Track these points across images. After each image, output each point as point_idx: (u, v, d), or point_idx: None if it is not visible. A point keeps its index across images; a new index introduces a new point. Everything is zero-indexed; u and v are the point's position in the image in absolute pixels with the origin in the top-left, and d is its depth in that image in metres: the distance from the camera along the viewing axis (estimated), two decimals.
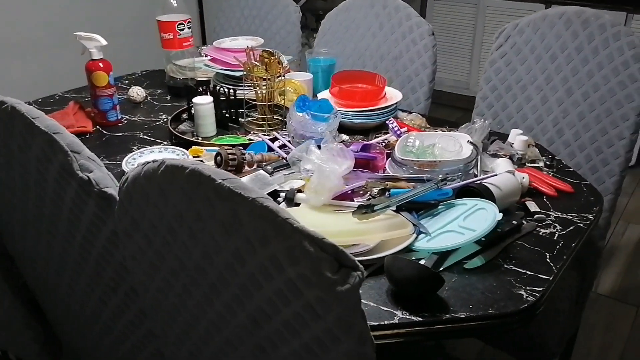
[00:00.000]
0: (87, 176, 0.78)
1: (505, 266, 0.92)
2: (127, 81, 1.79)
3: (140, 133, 1.42)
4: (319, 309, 0.60)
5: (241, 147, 1.13)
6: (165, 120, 1.50)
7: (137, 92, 1.59)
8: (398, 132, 1.27)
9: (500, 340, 1.26)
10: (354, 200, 1.03)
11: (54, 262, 0.99)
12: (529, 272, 0.90)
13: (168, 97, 1.66)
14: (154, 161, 0.67)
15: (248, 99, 1.41)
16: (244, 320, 0.70)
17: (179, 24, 1.57)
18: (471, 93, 3.50)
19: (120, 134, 1.42)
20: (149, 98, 1.65)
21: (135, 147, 1.33)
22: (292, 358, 0.68)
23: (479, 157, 1.09)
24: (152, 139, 1.39)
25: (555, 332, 1.22)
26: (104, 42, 1.38)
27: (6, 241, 1.06)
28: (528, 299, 0.84)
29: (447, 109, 3.27)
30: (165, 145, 1.34)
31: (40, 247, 0.98)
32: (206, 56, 1.63)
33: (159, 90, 1.71)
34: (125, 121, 1.50)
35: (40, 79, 2.28)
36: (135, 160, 1.23)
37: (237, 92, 1.43)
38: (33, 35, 2.25)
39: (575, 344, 1.68)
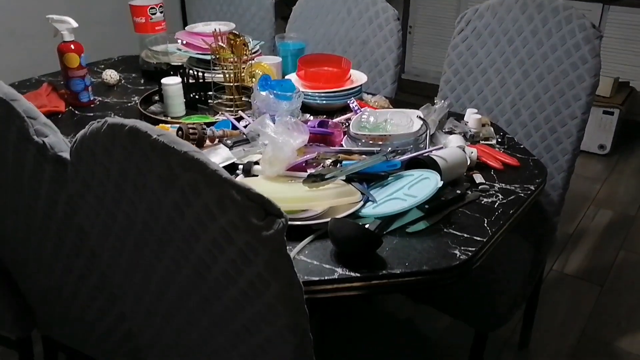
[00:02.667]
0: (43, 141, 0.83)
1: (445, 230, 0.98)
2: (102, 66, 1.83)
3: (111, 113, 1.47)
4: (250, 254, 0.66)
5: (202, 124, 1.18)
6: (136, 102, 1.55)
7: (111, 75, 1.64)
8: (358, 111, 1.33)
9: (456, 308, 1.32)
10: (307, 172, 1.08)
11: (20, 232, 1.04)
12: (465, 235, 0.96)
13: (142, 81, 1.71)
14: (97, 121, 0.72)
15: (216, 81, 1.46)
16: (189, 273, 0.76)
17: (151, 8, 1.62)
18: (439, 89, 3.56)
19: (91, 114, 1.47)
20: (123, 81, 1.70)
21: None
22: (233, 305, 0.74)
23: (428, 131, 1.15)
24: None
25: (506, 301, 1.28)
26: (74, 24, 1.42)
27: None
28: (461, 257, 0.90)
29: (430, 101, 3.33)
30: None
31: (6, 218, 1.03)
32: (181, 41, 1.68)
33: (133, 75, 1.76)
34: (98, 102, 1.55)
35: (17, 65, 2.32)
36: None
37: (207, 74, 1.48)
38: (9, 21, 2.28)
39: (535, 318, 1.74)
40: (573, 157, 1.44)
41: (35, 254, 1.06)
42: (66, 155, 0.83)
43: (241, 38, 1.38)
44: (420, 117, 1.16)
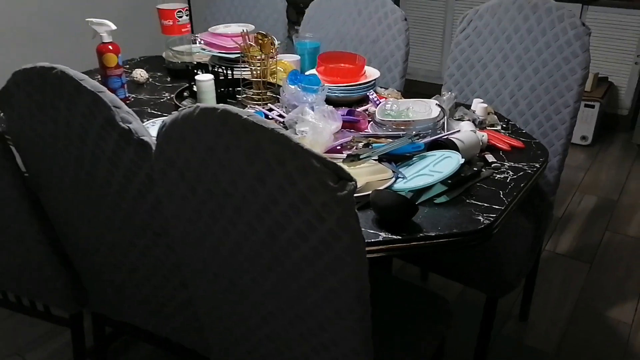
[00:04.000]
0: (128, 126, 0.96)
1: (467, 201, 1.13)
2: (127, 65, 1.95)
3: (147, 108, 1.60)
4: (324, 213, 0.79)
5: None
6: (168, 97, 1.67)
7: (140, 74, 1.76)
8: (378, 102, 1.47)
9: (469, 277, 1.47)
10: (342, 154, 1.22)
11: (88, 211, 1.16)
12: (485, 205, 1.11)
13: (168, 79, 1.83)
14: (188, 107, 0.85)
15: (244, 77, 1.59)
16: (262, 235, 0.89)
17: (178, 11, 1.74)
18: (443, 82, 3.74)
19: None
20: (150, 80, 1.82)
21: (145, 119, 1.50)
22: (302, 261, 0.87)
23: (445, 117, 1.30)
24: (158, 112, 1.57)
25: (513, 269, 1.44)
26: (113, 26, 1.54)
27: (42, 195, 1.23)
28: (484, 222, 1.05)
29: (420, 96, 3.50)
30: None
31: (76, 197, 1.15)
32: (201, 42, 1.81)
33: (159, 73, 1.88)
34: (132, 99, 1.67)
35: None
36: (150, 129, 1.40)
37: (234, 71, 1.62)
38: (33, 24, 2.38)
39: (533, 294, 1.91)
40: (567, 142, 1.61)
41: (101, 230, 1.18)
42: (147, 139, 0.96)
43: (269, 37, 1.52)
44: (438, 105, 1.31)
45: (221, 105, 0.81)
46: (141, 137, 0.96)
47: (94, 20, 1.53)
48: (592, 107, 3.10)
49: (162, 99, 1.67)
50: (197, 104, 0.84)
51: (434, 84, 3.72)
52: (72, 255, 1.33)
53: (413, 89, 3.42)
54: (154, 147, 0.95)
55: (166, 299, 1.24)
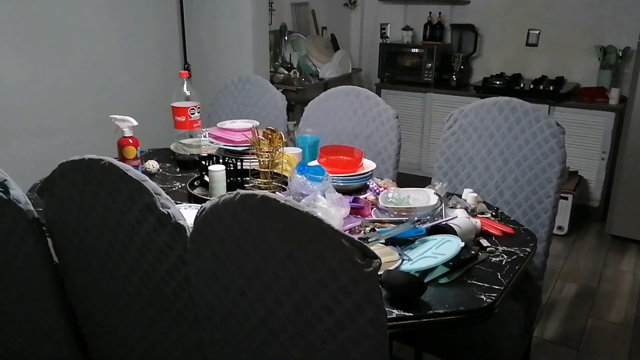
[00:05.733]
0: (167, 212, 1.05)
1: (469, 281, 1.23)
2: (143, 153, 2.07)
3: None
4: (351, 287, 0.89)
5: None
6: (180, 187, 1.78)
7: (152, 165, 1.88)
8: (377, 191, 1.61)
9: (464, 358, 1.53)
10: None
11: (110, 291, 1.22)
12: (486, 285, 1.21)
13: (177, 169, 1.95)
14: (229, 193, 0.96)
15: (253, 167, 1.72)
16: (289, 310, 0.97)
17: (191, 109, 1.90)
18: (423, 174, 3.95)
19: None
20: (161, 170, 1.93)
21: None
22: (327, 334, 0.95)
23: (442, 204, 1.43)
24: (172, 201, 1.66)
25: (508, 350, 1.51)
26: (135, 122, 1.68)
27: (67, 277, 1.28)
28: (487, 300, 1.15)
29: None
30: (186, 204, 1.61)
31: (102, 279, 1.21)
32: (208, 135, 1.95)
33: (168, 164, 2.00)
34: None
35: (51, 159, 2.51)
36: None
37: (243, 162, 1.75)
38: (47, 119, 2.51)
39: None
40: (550, 229, 1.75)
41: (123, 309, 1.23)
42: (183, 222, 1.06)
43: (277, 132, 1.67)
44: (436, 194, 1.45)
45: (260, 192, 0.92)
46: (178, 221, 1.05)
47: (117, 116, 1.67)
48: (566, 198, 3.30)
49: (174, 187, 1.78)
50: (237, 190, 0.95)
51: (416, 175, 3.93)
52: (87, 337, 1.36)
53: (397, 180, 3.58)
54: (188, 230, 1.04)
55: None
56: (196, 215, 1.01)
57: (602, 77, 3.63)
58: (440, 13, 4.05)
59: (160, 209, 1.05)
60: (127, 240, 1.12)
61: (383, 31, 4.34)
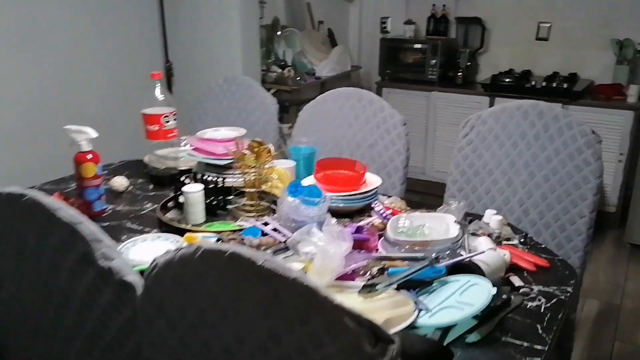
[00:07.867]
0: (108, 265, 0.79)
1: (504, 339, 0.97)
2: (106, 171, 1.80)
3: (127, 222, 1.43)
4: None
5: (239, 233, 1.17)
6: (151, 209, 1.52)
7: (120, 182, 1.62)
8: (384, 215, 1.35)
9: None
10: (354, 280, 1.07)
11: (52, 356, 0.96)
12: (525, 344, 0.96)
13: (150, 187, 1.69)
14: (187, 247, 0.70)
15: (237, 186, 1.46)
16: None
17: (165, 116, 1.63)
18: (427, 177, 3.69)
19: (106, 224, 1.42)
20: (131, 186, 1.67)
21: (124, 237, 1.33)
22: None
23: (465, 236, 1.17)
24: (139, 227, 1.40)
25: None
26: (94, 134, 1.42)
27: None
28: None
29: (406, 193, 3.42)
30: (155, 233, 1.35)
31: (38, 340, 0.96)
32: (190, 146, 1.69)
33: (140, 180, 1.73)
34: (110, 211, 1.51)
35: (14, 172, 2.25)
36: (129, 250, 1.23)
37: (225, 179, 1.49)
38: (7, 126, 2.25)
39: None
40: (584, 254, 1.50)
41: None
42: (131, 279, 0.80)
43: (265, 146, 1.40)
44: (457, 222, 1.19)
45: (228, 247, 0.66)
46: (123, 278, 0.79)
47: (72, 127, 1.41)
48: None
49: (144, 210, 1.52)
50: (199, 244, 0.69)
51: (419, 179, 3.67)
52: None
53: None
54: (138, 290, 0.79)
55: None
56: (146, 272, 0.75)
57: (619, 73, 3.38)
58: (444, 5, 3.79)
59: (99, 261, 0.79)
60: (63, 297, 0.86)
61: (384, 25, 4.08)
